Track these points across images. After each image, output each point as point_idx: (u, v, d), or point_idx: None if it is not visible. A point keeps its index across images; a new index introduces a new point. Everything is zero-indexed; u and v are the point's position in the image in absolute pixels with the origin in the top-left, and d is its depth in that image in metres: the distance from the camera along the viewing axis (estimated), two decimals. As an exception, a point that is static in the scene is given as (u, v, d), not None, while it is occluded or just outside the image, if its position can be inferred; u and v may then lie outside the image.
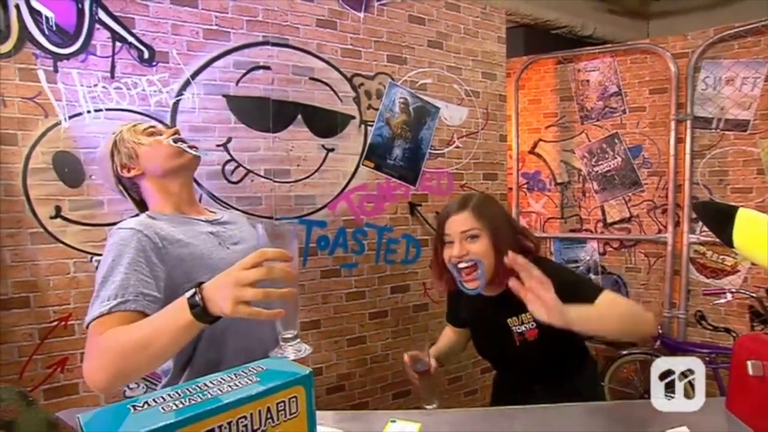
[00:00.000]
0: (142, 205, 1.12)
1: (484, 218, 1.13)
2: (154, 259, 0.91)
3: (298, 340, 0.77)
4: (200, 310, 0.73)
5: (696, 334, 2.77)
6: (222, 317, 0.74)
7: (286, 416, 0.54)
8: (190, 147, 1.07)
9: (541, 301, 0.87)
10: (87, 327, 0.84)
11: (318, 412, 0.60)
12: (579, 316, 0.90)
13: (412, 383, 1.25)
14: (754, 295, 2.35)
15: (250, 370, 0.57)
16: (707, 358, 2.33)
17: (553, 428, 0.94)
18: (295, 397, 0.55)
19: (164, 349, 0.78)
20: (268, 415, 0.52)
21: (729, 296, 2.38)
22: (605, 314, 0.99)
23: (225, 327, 0.94)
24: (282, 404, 0.53)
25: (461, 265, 1.13)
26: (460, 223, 1.14)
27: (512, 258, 0.89)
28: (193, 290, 0.75)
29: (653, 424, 0.88)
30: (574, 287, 1.09)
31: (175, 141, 1.06)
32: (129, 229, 0.93)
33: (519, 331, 1.17)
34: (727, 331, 2.62)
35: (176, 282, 0.93)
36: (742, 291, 2.40)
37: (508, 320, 1.18)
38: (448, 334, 1.45)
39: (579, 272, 3.11)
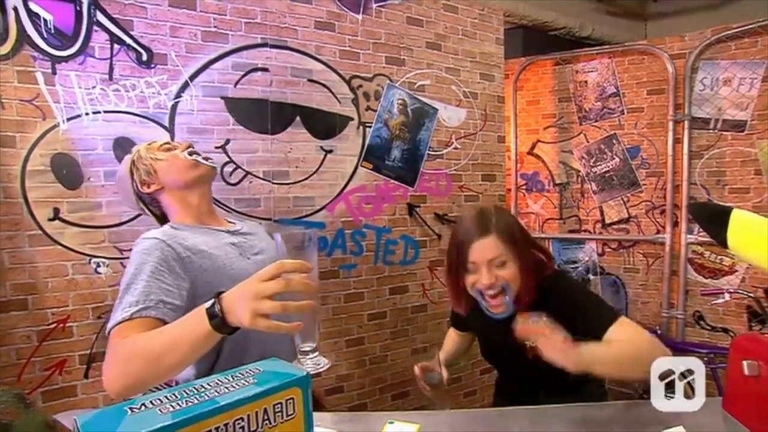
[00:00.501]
0: (163, 220, 1.16)
1: (510, 242, 1.08)
2: (176, 269, 0.94)
3: (317, 353, 0.74)
4: (219, 321, 0.73)
5: (694, 334, 2.77)
6: (242, 327, 0.74)
7: (283, 418, 0.54)
8: (205, 159, 1.12)
9: (554, 347, 0.88)
10: (109, 333, 0.86)
11: (315, 414, 0.61)
12: (595, 359, 0.91)
13: (423, 394, 1.23)
14: (752, 295, 2.35)
15: (247, 372, 0.58)
16: (705, 358, 2.33)
17: (552, 428, 0.94)
18: (292, 398, 0.55)
19: (183, 358, 0.79)
20: (265, 417, 0.52)
21: (727, 296, 2.38)
22: (623, 356, 0.95)
23: (247, 336, 0.93)
24: (279, 406, 0.54)
25: (489, 292, 1.08)
26: (487, 250, 1.07)
27: (523, 330, 0.92)
28: (213, 300, 0.75)
29: (651, 424, 0.88)
30: (588, 309, 1.06)
31: (190, 154, 1.11)
32: (153, 238, 0.96)
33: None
34: (725, 331, 2.63)
35: (198, 292, 0.95)
36: (740, 291, 2.40)
37: None
38: (453, 338, 1.43)
39: (578, 273, 3.12)
